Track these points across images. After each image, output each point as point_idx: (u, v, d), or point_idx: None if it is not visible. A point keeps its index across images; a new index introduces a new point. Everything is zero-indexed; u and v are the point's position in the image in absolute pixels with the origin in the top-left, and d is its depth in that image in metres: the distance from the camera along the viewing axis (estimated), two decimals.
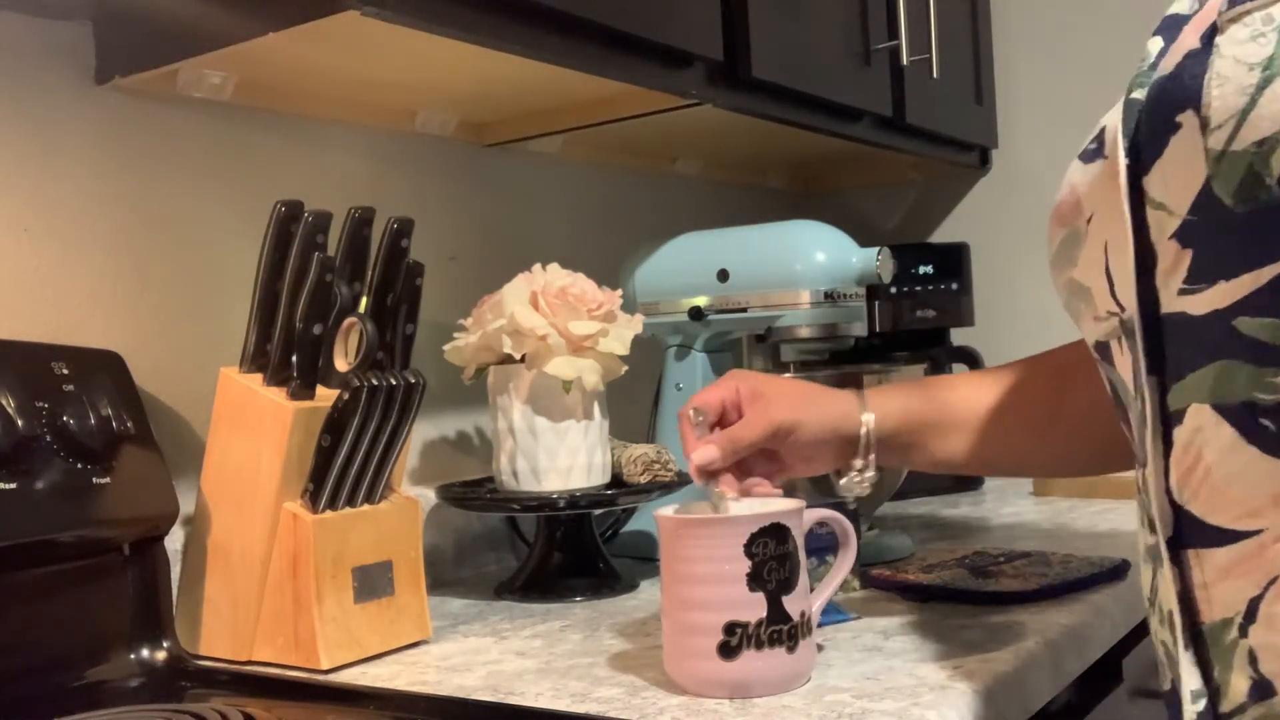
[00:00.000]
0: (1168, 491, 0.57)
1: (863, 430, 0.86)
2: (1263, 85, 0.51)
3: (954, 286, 1.65)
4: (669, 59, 1.12)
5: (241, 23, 0.91)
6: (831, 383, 0.96)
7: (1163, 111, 0.55)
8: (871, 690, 0.75)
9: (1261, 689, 0.54)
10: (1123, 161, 0.56)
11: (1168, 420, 0.57)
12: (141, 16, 0.96)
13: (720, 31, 1.16)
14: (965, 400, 0.88)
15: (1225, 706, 0.56)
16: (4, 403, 0.81)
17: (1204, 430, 0.55)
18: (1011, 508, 1.48)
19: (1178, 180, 0.54)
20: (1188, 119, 0.54)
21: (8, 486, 0.81)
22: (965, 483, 1.65)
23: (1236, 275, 0.53)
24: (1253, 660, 0.55)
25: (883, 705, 0.72)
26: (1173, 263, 0.55)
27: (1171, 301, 0.56)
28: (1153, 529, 0.58)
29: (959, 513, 1.47)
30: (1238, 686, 0.55)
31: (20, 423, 0.82)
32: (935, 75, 1.51)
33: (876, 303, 1.62)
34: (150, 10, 0.96)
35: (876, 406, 0.86)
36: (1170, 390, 0.56)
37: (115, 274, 1.01)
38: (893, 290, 1.65)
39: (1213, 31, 0.54)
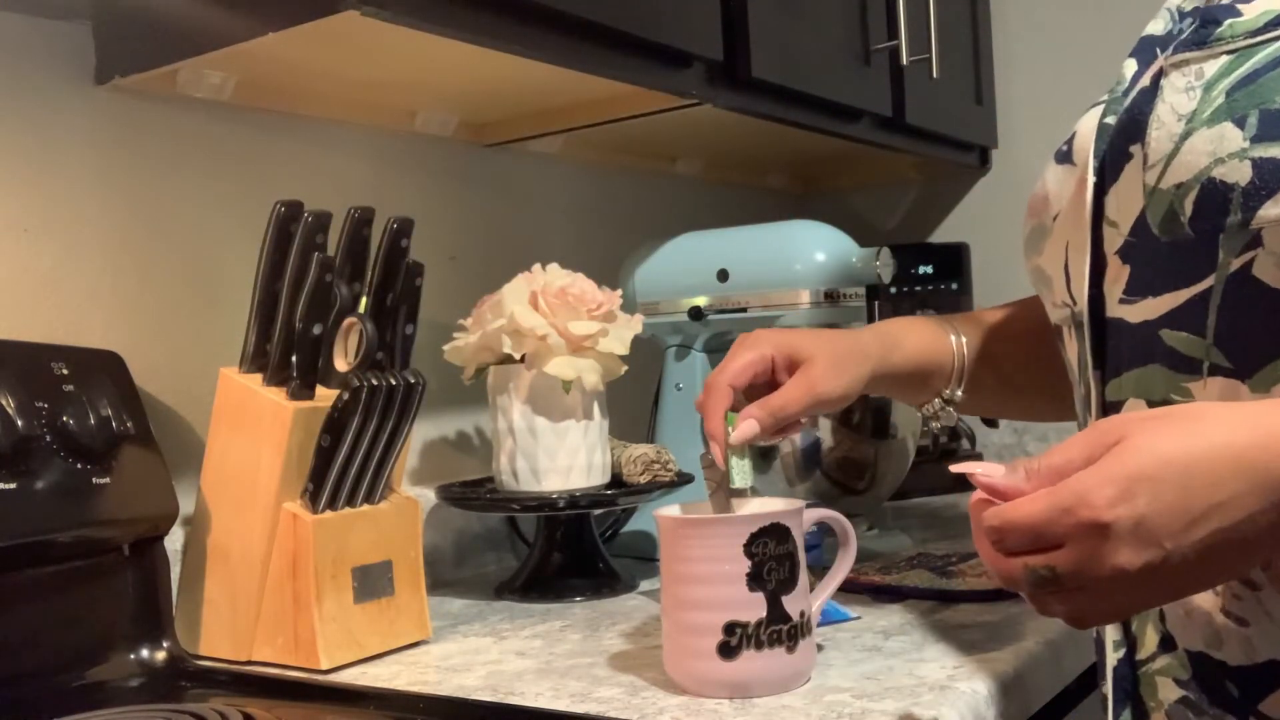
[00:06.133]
0: None
1: (956, 355, 0.84)
2: (1185, 136, 0.58)
3: (954, 286, 1.65)
4: (669, 59, 1.12)
5: (241, 23, 0.91)
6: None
7: (1121, 141, 0.62)
8: (871, 690, 0.75)
9: (1166, 642, 0.62)
10: (1090, 180, 0.63)
11: (1107, 409, 0.64)
12: (141, 16, 0.96)
13: (720, 31, 1.16)
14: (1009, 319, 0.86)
15: (1140, 655, 0.64)
16: (4, 403, 0.81)
17: None
18: None
19: (1126, 204, 0.62)
20: (1137, 151, 0.61)
21: (8, 486, 0.81)
22: (966, 483, 1.65)
23: (1161, 294, 0.60)
24: (1161, 618, 0.62)
25: (883, 705, 0.72)
26: (1116, 274, 0.63)
27: (1114, 307, 0.63)
28: None
29: (960, 513, 1.47)
30: (1150, 639, 0.63)
31: (20, 423, 0.82)
32: (935, 75, 1.51)
33: (876, 303, 1.62)
34: (150, 10, 0.95)
35: (964, 330, 0.85)
36: (1109, 383, 0.64)
37: (115, 274, 1.01)
38: (893, 290, 1.65)
39: (1159, 74, 0.62)
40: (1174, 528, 0.49)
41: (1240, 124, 0.56)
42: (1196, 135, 0.57)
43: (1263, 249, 0.55)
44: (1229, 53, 0.59)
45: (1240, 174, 0.55)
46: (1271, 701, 0.58)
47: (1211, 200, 0.57)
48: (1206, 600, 0.60)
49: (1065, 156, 0.67)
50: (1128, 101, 0.63)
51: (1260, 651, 0.58)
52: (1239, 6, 0.61)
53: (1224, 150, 0.56)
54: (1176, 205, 0.58)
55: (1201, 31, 0.61)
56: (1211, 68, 0.59)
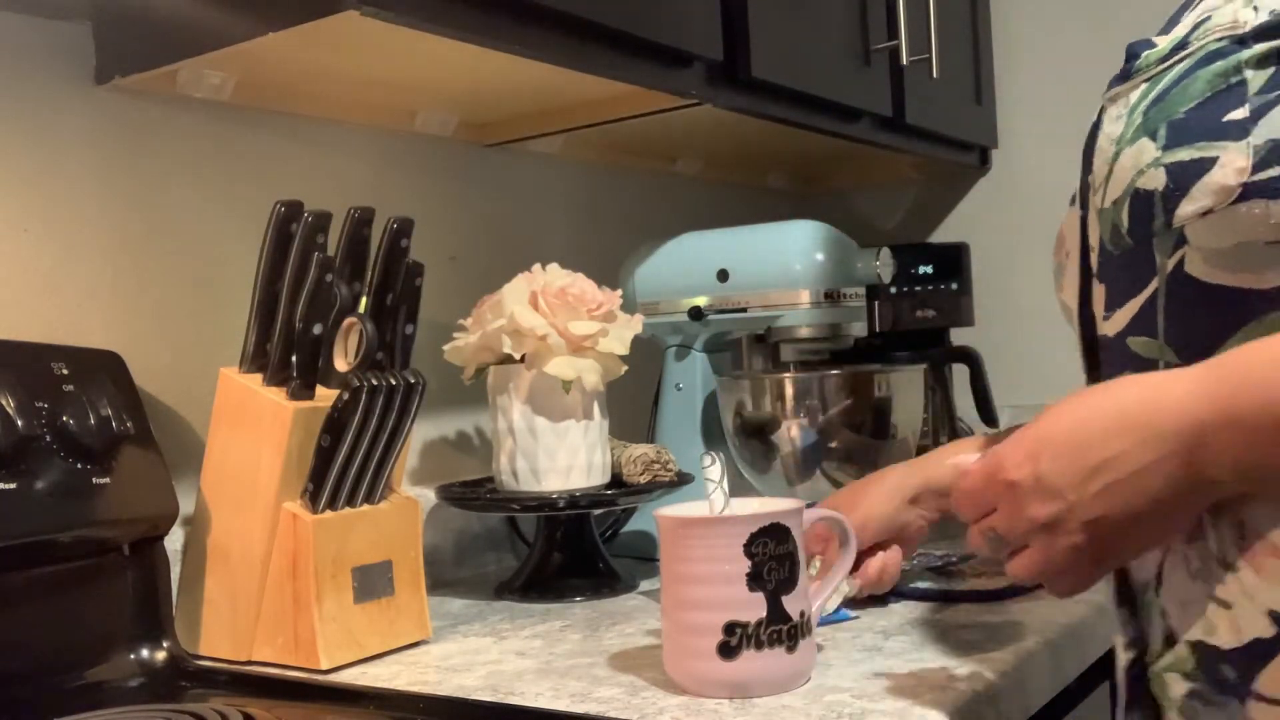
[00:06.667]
0: None
1: None
2: (1115, 157, 0.64)
3: (954, 286, 1.65)
4: (669, 59, 1.12)
5: (241, 23, 0.91)
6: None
7: (1084, 173, 0.69)
8: (871, 690, 0.75)
9: (1169, 638, 0.64)
10: (1078, 213, 0.69)
11: None
12: (141, 16, 0.96)
13: (720, 31, 1.16)
14: None
15: (1149, 656, 0.66)
16: (4, 403, 0.81)
17: None
18: None
19: (1093, 228, 0.67)
20: (1090, 180, 0.67)
21: (8, 486, 0.81)
22: None
23: (1125, 304, 0.64)
24: (1163, 614, 0.65)
25: (883, 705, 0.72)
26: (1097, 293, 0.67)
27: (1100, 325, 0.68)
28: None
29: None
30: (1155, 638, 0.66)
31: (20, 423, 0.82)
32: (935, 75, 1.51)
33: (876, 303, 1.62)
34: (150, 10, 0.95)
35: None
36: None
37: (115, 274, 1.01)
38: (893, 290, 1.64)
39: (1101, 108, 0.69)
40: (1072, 480, 0.58)
41: (1154, 136, 0.62)
42: (1124, 154, 0.63)
43: (1189, 246, 0.60)
44: (1146, 80, 0.66)
45: (1157, 180, 0.61)
46: (1264, 679, 0.59)
47: (1140, 208, 0.62)
48: (1197, 588, 0.62)
49: (1072, 199, 0.72)
50: (1087, 137, 0.70)
51: (1246, 631, 0.59)
52: (1155, 39, 0.68)
53: (1143, 161, 0.62)
54: (1116, 219, 0.64)
55: (1126, 66, 0.68)
56: (1135, 95, 0.66)
